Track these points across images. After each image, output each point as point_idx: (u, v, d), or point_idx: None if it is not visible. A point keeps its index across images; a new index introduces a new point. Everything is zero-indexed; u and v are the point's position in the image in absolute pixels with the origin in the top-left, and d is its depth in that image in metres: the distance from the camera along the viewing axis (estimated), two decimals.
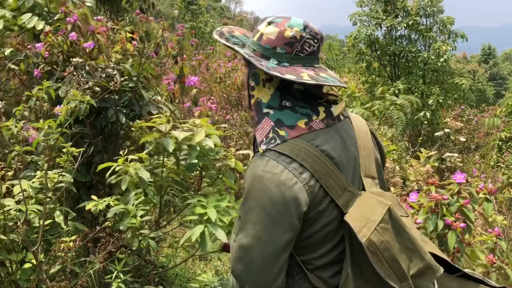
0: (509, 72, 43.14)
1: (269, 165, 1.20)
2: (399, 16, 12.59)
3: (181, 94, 3.49)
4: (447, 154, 5.03)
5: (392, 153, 6.17)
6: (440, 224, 2.35)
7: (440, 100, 10.82)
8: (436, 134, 7.36)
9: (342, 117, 1.33)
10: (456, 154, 5.16)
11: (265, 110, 1.28)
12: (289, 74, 1.20)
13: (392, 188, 3.95)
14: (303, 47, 1.26)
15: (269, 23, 1.29)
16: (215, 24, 28.44)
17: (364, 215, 1.18)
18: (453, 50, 12.23)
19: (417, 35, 12.49)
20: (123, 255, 2.79)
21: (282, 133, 1.24)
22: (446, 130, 6.87)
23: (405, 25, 12.13)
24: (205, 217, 2.36)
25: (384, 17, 12.33)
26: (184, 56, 3.20)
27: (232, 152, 2.74)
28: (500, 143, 9.53)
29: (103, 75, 2.93)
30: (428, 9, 12.07)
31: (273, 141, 1.23)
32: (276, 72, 1.20)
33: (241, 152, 3.24)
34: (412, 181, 3.62)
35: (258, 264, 1.20)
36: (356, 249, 1.19)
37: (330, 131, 1.27)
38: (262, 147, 1.24)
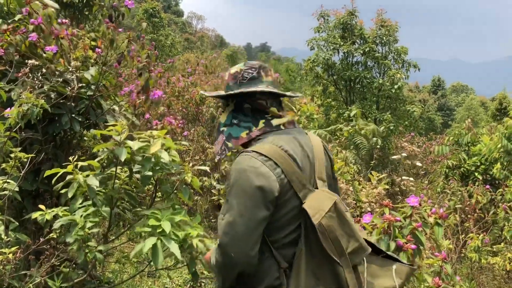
0: (456, 104, 45.26)
1: (252, 161, 1.60)
2: (356, 43, 13.00)
3: (148, 108, 3.42)
4: (404, 177, 5.15)
5: (346, 175, 6.29)
6: (392, 245, 2.39)
7: (391, 127, 11.16)
8: (393, 157, 7.68)
9: (283, 127, 1.75)
10: (411, 178, 5.30)
11: (221, 129, 1.77)
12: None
13: None
14: (243, 76, 1.76)
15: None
16: (176, 38, 28.32)
17: (317, 205, 1.59)
18: (406, 78, 12.73)
19: (373, 62, 12.90)
20: (67, 269, 2.65)
21: (230, 144, 1.73)
22: (403, 154, 7.14)
23: (362, 52, 12.53)
24: (159, 230, 2.29)
25: (342, 43, 12.68)
26: (152, 69, 3.12)
27: (188, 167, 2.68)
28: (447, 170, 9.93)
29: (60, 80, 2.80)
30: (384, 37, 12.53)
31: (223, 152, 1.74)
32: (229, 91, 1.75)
33: (197, 167, 3.19)
34: (365, 202, 3.67)
35: (240, 236, 1.56)
36: (309, 231, 1.59)
37: (289, 137, 1.70)
38: (217, 157, 1.76)
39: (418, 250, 2.45)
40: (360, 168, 7.06)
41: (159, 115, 3.44)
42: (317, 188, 1.67)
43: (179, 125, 3.61)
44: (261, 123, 1.72)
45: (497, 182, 9.63)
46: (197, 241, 2.36)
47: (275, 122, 1.73)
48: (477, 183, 9.19)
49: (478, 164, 9.74)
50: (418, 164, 6.82)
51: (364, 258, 1.66)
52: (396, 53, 12.70)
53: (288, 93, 1.81)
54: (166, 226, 2.26)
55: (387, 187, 6.70)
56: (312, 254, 1.58)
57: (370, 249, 1.66)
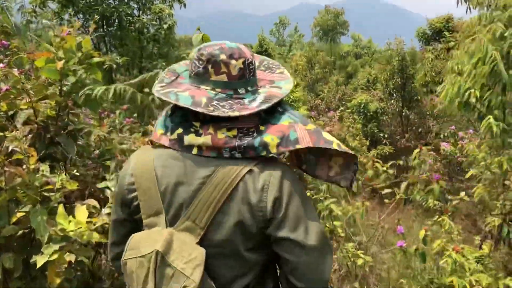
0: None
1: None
2: None
3: None
4: None
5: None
6: None
7: None
8: None
9: (194, 151, 1.25)
10: None
11: None
12: (169, 90, 1.28)
13: None
14: (192, 68, 1.31)
15: None
16: None
17: (139, 243, 1.24)
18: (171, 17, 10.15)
19: None
20: None
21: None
22: None
23: None
24: None
25: None
26: None
27: None
28: None
29: None
30: None
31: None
32: (157, 90, 1.30)
33: None
34: None
35: None
36: None
37: (178, 159, 1.27)
38: None
39: None
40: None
41: None
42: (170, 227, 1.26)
43: None
44: (176, 133, 1.27)
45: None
46: None
47: (187, 139, 1.25)
48: None
49: None
50: None
51: None
52: None
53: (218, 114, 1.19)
54: None
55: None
56: None
57: None
